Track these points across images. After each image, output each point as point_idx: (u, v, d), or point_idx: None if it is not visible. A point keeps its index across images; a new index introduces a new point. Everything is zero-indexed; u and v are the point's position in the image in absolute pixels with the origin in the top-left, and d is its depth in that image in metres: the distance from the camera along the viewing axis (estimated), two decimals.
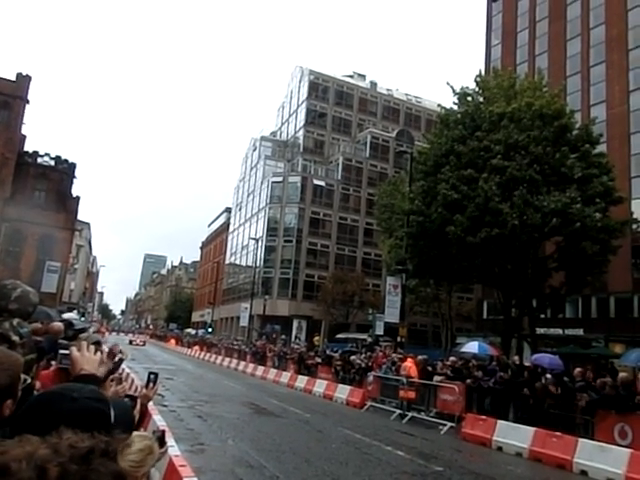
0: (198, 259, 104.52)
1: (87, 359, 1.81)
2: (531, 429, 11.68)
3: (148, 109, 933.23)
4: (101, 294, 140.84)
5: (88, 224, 70.35)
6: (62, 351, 2.08)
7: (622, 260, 29.54)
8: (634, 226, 33.00)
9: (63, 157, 45.42)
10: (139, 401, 2.27)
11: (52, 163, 44.92)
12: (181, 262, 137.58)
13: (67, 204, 44.07)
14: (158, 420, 7.87)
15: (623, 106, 36.45)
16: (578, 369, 15.13)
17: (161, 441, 3.14)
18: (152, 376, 3.01)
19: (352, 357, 23.32)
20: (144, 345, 55.01)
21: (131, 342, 54.52)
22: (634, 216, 33.11)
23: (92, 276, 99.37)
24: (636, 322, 33.24)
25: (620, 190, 26.10)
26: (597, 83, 38.64)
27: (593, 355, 28.10)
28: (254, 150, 68.18)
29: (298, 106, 63.90)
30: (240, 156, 77.78)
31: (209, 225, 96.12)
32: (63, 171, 44.77)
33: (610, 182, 24.46)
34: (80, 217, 52.03)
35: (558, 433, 11.22)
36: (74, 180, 45.40)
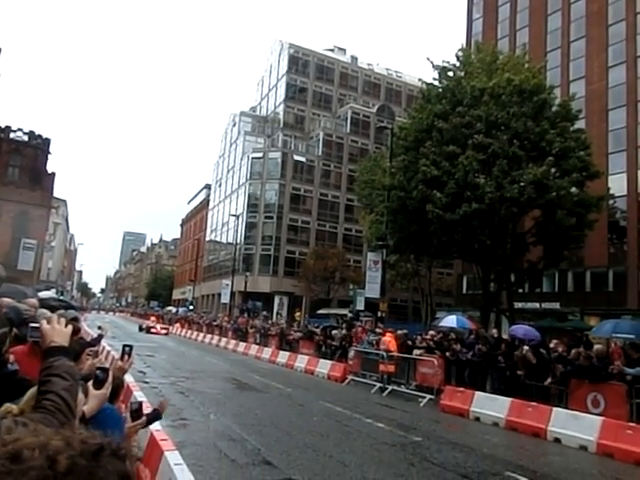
0: (178, 236, 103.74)
1: (57, 332, 1.79)
2: (507, 399, 11.94)
3: (127, 85, 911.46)
4: (80, 272, 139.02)
5: (65, 201, 69.03)
6: (32, 324, 2.02)
7: (598, 235, 30.07)
8: (610, 201, 33.54)
9: (37, 132, 44.27)
10: (111, 373, 2.24)
11: (25, 138, 43.77)
12: (161, 240, 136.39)
13: (42, 181, 43.12)
14: (139, 396, 7.82)
15: (602, 82, 36.65)
16: (554, 341, 15.48)
17: (138, 412, 3.12)
18: (127, 348, 3.05)
19: (334, 332, 23.52)
20: (167, 334, 39.48)
21: (147, 330, 39.59)
22: (611, 191, 33.63)
23: (70, 254, 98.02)
24: (611, 295, 34.06)
25: (597, 165, 26.41)
26: (577, 59, 38.71)
27: (569, 328, 28.73)
28: (233, 126, 67.26)
29: (278, 80, 62.99)
30: (220, 132, 76.81)
31: (189, 202, 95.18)
32: (37, 147, 43.69)
33: (587, 157, 24.73)
34: (56, 194, 51.04)
35: (533, 403, 11.51)
36: (49, 156, 44.38)
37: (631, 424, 9.82)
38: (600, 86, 36.51)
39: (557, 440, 10.31)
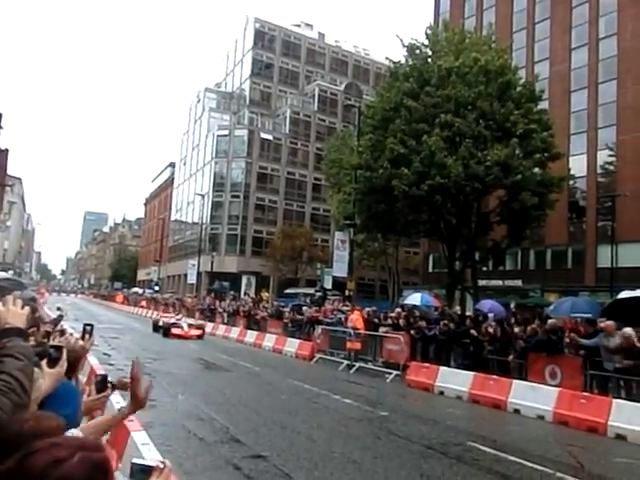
0: (142, 216, 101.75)
1: (12, 313, 1.77)
2: (470, 374, 12.32)
3: (88, 57, 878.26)
4: (39, 254, 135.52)
5: (20, 179, 66.74)
6: None
7: (559, 214, 30.93)
8: (571, 182, 34.48)
9: None
10: (64, 350, 2.21)
11: None
12: (124, 219, 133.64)
13: None
14: None
15: (565, 64, 37.31)
16: (515, 317, 15.98)
17: (103, 385, 3.09)
18: (88, 327, 3.02)
19: (303, 308, 23.74)
20: (201, 337, 23.72)
21: (167, 331, 23.60)
22: (571, 172, 34.54)
23: (28, 235, 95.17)
24: (569, 273, 35.26)
25: (559, 146, 27.03)
26: (541, 40, 39.23)
27: (530, 304, 29.64)
28: (198, 102, 65.87)
29: (243, 56, 61.81)
30: (184, 108, 75.10)
31: (153, 180, 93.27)
32: None
33: (550, 138, 25.25)
34: (10, 172, 49.17)
35: (495, 376, 11.92)
36: (0, 132, 42.61)
37: (585, 394, 10.27)
38: (563, 68, 37.18)
39: (516, 411, 10.72)
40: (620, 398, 9.93)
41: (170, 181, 75.45)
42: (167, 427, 7.99)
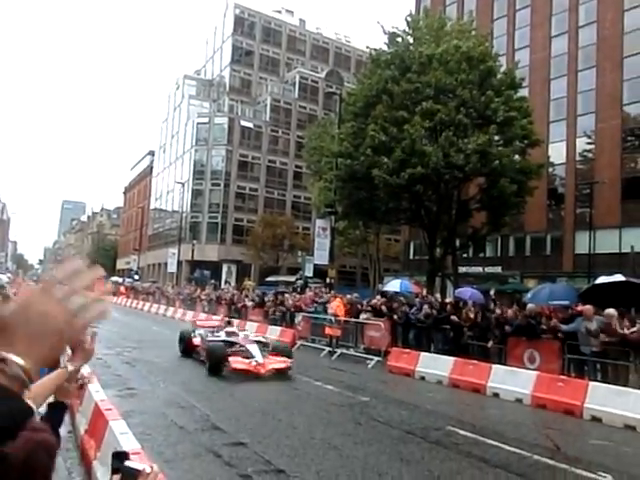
0: (121, 205, 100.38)
1: None
2: (451, 359, 12.44)
3: (67, 43, 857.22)
4: (14, 243, 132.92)
5: None
6: None
7: (538, 201, 31.28)
8: (550, 169, 34.86)
9: None
10: None
11: None
12: (103, 208, 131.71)
13: None
14: (83, 370, 7.60)
15: (545, 51, 37.48)
16: (495, 302, 16.17)
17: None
18: None
19: (286, 295, 23.75)
20: (284, 372, 11.78)
21: (220, 361, 11.62)
22: (550, 159, 34.89)
23: (3, 224, 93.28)
24: (548, 259, 35.76)
25: (539, 134, 27.27)
26: (522, 27, 39.30)
27: (509, 291, 30.03)
28: (177, 89, 64.88)
29: (223, 42, 60.93)
30: (163, 95, 74.03)
31: (132, 168, 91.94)
32: None
33: (529, 125, 25.45)
34: None
35: (474, 361, 12.05)
36: None
37: (562, 377, 10.46)
38: (544, 55, 37.35)
39: (496, 395, 10.86)
40: (596, 381, 10.13)
41: (149, 169, 74.47)
42: (147, 416, 7.93)
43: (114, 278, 69.28)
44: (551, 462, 6.50)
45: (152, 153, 75.67)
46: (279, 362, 11.89)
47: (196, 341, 13.95)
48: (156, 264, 63.45)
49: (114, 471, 1.52)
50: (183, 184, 51.98)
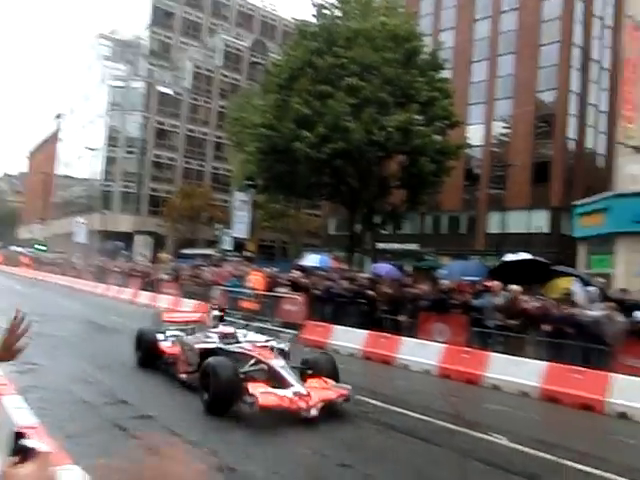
0: (26, 170, 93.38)
1: None
2: (363, 332, 12.75)
3: None
4: None
5: None
6: None
7: (455, 181, 32.54)
8: (468, 150, 36.35)
9: None
10: None
11: None
12: (5, 174, 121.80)
13: None
14: None
15: (469, 34, 38.45)
16: (410, 277, 16.73)
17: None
18: None
19: (204, 268, 23.24)
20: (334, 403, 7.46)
21: (233, 389, 6.84)
22: (468, 141, 36.33)
23: None
24: (463, 238, 37.50)
25: (459, 115, 28.18)
26: (448, 8, 39.96)
27: (424, 267, 31.23)
28: (90, 48, 60.61)
29: (142, 1, 57.46)
30: (73, 55, 68.87)
31: (37, 132, 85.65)
32: None
33: (450, 106, 26.21)
34: None
35: (387, 334, 12.42)
36: None
37: (467, 349, 11.04)
38: (467, 38, 38.28)
39: (405, 366, 11.29)
40: (497, 352, 10.78)
41: (57, 133, 69.62)
42: (49, 391, 7.52)
43: (13, 248, 64.62)
44: (453, 427, 6.84)
45: (60, 116, 70.68)
46: (327, 389, 7.24)
47: (166, 346, 9.19)
48: (64, 234, 59.80)
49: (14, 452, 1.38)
50: (93, 150, 49.04)
